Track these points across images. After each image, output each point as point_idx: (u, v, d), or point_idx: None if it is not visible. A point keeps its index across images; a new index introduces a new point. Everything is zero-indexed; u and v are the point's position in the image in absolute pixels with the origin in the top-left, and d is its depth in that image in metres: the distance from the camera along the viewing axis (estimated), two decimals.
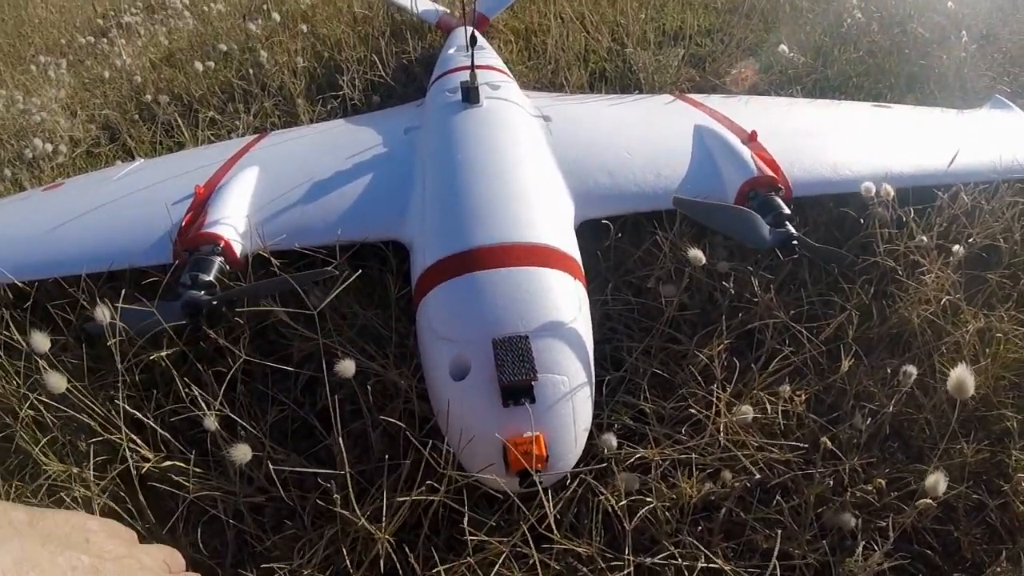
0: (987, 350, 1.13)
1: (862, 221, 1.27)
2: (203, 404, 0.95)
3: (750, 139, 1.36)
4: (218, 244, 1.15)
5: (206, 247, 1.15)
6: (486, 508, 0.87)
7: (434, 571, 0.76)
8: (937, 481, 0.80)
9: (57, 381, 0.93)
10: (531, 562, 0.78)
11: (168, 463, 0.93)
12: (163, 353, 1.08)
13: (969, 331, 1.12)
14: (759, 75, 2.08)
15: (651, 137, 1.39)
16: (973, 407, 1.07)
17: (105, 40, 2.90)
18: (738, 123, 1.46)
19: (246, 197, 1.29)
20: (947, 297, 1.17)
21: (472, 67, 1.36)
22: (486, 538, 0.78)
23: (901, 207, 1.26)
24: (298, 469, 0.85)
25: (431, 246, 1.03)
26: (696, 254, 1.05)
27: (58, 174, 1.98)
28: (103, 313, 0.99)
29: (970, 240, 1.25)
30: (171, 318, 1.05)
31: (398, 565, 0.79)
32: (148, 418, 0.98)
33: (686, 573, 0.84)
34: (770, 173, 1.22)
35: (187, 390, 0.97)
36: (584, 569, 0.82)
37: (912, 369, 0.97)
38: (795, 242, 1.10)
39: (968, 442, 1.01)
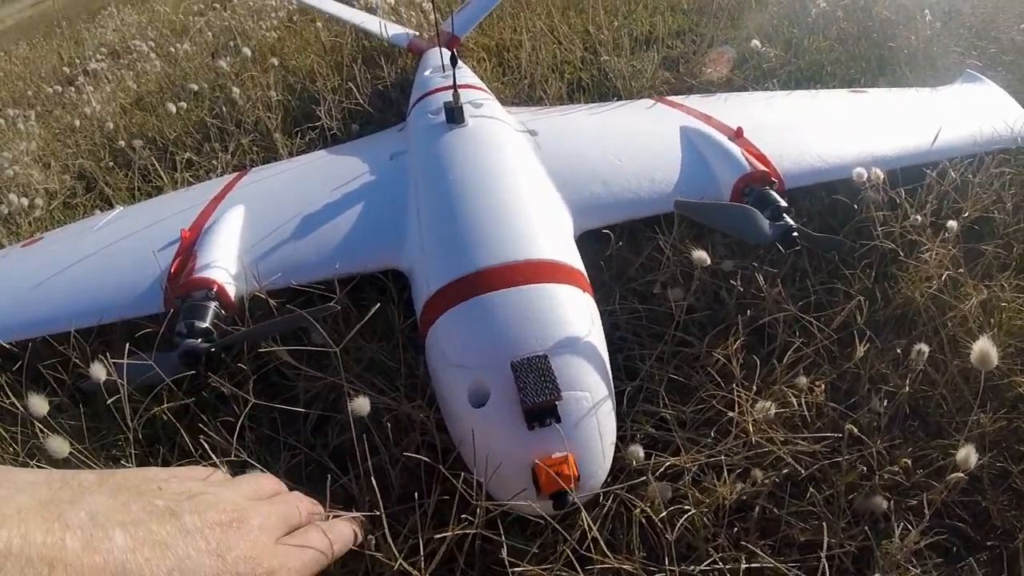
0: (991, 320, 1.16)
1: (856, 207, 1.30)
2: (212, 455, 0.93)
3: (737, 135, 1.40)
4: (211, 289, 1.14)
5: (198, 293, 1.14)
6: (518, 535, 0.87)
7: None
8: (968, 455, 0.82)
9: (59, 445, 0.91)
10: None
11: None
12: (164, 407, 1.07)
13: (971, 303, 1.15)
14: (734, 72, 2.13)
15: (640, 142, 1.42)
16: (985, 377, 1.09)
17: (73, 88, 2.89)
18: (722, 121, 1.49)
19: (235, 237, 1.28)
20: (947, 272, 1.20)
21: (455, 86, 1.37)
22: (528, 567, 0.78)
23: (892, 189, 1.30)
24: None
25: (433, 272, 1.03)
26: (701, 255, 1.07)
27: (36, 228, 1.96)
28: (99, 371, 0.97)
29: (964, 215, 1.29)
30: (170, 369, 1.04)
31: None
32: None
33: None
34: (762, 168, 1.24)
35: (195, 444, 0.95)
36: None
37: (924, 347, 1.00)
38: (795, 234, 1.13)
39: (985, 412, 1.03)
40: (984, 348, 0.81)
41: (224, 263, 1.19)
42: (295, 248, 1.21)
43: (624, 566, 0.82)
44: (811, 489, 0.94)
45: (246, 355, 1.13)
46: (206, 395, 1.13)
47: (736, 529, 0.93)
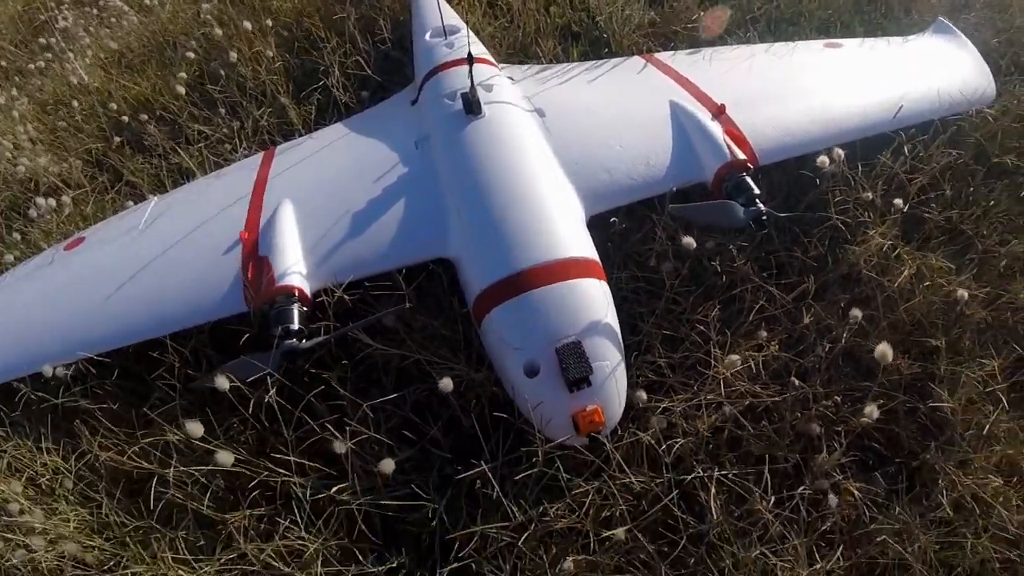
0: (921, 286, 1.56)
1: (818, 182, 1.66)
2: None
3: (719, 112, 1.70)
4: (293, 294, 1.43)
5: (281, 298, 1.42)
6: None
7: (553, 507, 1.22)
8: (872, 410, 1.27)
9: (225, 457, 1.25)
10: (603, 492, 1.23)
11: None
12: (272, 395, 1.34)
13: (904, 275, 1.55)
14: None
15: (635, 124, 1.70)
16: (908, 331, 1.53)
17: (49, 54, 2.86)
18: (707, 92, 1.79)
19: (295, 238, 1.54)
20: (888, 243, 1.60)
21: (472, 84, 1.62)
22: (581, 483, 1.23)
23: (850, 163, 1.64)
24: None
25: (481, 271, 1.37)
26: (689, 241, 1.45)
27: (69, 225, 2.09)
28: (223, 382, 1.28)
29: (910, 194, 1.65)
30: (275, 366, 1.35)
31: (512, 511, 1.23)
32: (290, 453, 1.31)
33: (707, 482, 1.29)
34: (741, 156, 1.57)
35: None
36: (639, 486, 1.27)
37: (857, 312, 1.41)
38: (764, 217, 1.50)
39: (905, 359, 1.47)
40: (883, 349, 1.25)
41: (297, 267, 1.47)
42: (353, 246, 1.50)
43: (638, 478, 1.28)
44: (764, 419, 1.39)
45: (333, 343, 1.45)
46: (306, 380, 1.44)
47: (711, 446, 1.38)
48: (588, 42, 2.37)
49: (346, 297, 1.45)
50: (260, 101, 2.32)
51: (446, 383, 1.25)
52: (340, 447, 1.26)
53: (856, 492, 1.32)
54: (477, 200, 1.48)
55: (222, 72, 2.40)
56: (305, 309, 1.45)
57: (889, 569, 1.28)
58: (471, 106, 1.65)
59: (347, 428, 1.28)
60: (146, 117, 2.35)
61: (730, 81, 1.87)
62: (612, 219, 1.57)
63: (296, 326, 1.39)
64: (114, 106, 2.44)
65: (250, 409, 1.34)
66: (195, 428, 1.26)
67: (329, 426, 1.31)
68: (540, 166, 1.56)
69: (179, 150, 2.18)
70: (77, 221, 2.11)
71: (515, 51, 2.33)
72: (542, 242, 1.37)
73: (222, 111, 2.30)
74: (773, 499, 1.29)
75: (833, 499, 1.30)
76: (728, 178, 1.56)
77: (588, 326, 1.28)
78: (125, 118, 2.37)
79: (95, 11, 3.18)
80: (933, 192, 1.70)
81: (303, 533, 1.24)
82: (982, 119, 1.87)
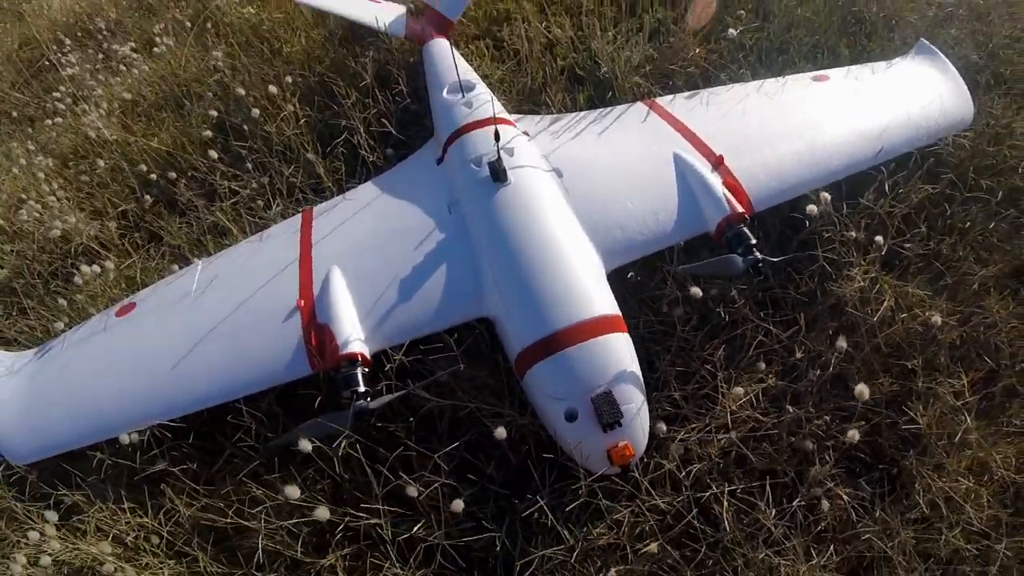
0: (902, 316, 1.81)
1: (807, 223, 1.90)
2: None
3: (718, 163, 1.93)
4: (356, 359, 1.66)
5: (346, 364, 1.65)
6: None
7: (596, 528, 1.51)
8: (854, 434, 1.52)
9: (322, 512, 1.51)
10: (636, 512, 1.51)
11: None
12: (351, 450, 1.60)
13: (885, 305, 1.80)
14: (712, 49, 2.59)
15: (644, 178, 1.93)
16: (889, 354, 1.79)
17: (62, 105, 2.93)
18: (706, 140, 2.01)
19: (349, 305, 1.76)
20: (871, 276, 1.84)
21: (498, 151, 1.84)
22: (617, 506, 1.52)
23: (836, 201, 1.87)
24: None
25: (518, 331, 1.62)
26: (696, 290, 1.71)
27: (114, 287, 2.22)
28: (305, 444, 1.53)
29: (890, 233, 1.88)
30: (348, 425, 1.59)
31: (564, 535, 1.51)
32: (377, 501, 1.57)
33: (720, 497, 1.57)
34: (739, 209, 1.79)
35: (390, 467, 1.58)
36: (664, 505, 1.55)
37: (842, 343, 1.67)
38: (760, 264, 1.74)
39: (888, 376, 1.73)
40: (860, 389, 1.52)
41: (355, 333, 1.69)
42: (403, 311, 1.73)
43: (663, 498, 1.55)
44: (765, 440, 1.66)
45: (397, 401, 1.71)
46: (374, 434, 1.71)
47: (722, 465, 1.65)
48: (592, 85, 2.58)
49: (406, 360, 1.72)
50: (287, 157, 2.49)
51: (500, 432, 1.52)
52: (413, 491, 1.54)
53: (845, 497, 1.59)
54: (509, 265, 1.72)
55: (246, 127, 2.54)
56: (367, 370, 1.69)
57: (875, 561, 1.55)
58: (498, 174, 1.87)
59: (422, 476, 1.57)
60: (175, 175, 2.48)
61: (726, 127, 2.08)
62: (629, 274, 1.82)
63: (362, 388, 1.64)
64: (144, 167, 2.53)
65: (336, 466, 1.60)
66: (292, 491, 1.53)
67: (403, 474, 1.58)
68: (563, 229, 1.80)
69: (213, 209, 2.34)
70: (122, 284, 2.25)
71: (524, 97, 2.55)
72: (572, 302, 1.62)
73: (248, 166, 2.46)
74: (775, 509, 1.55)
75: (825, 504, 1.58)
76: (728, 229, 1.80)
77: (616, 375, 1.54)
78: (153, 176, 2.49)
79: (100, 55, 3.22)
80: (911, 231, 1.93)
81: (397, 569, 1.52)
82: (958, 146, 2.10)
